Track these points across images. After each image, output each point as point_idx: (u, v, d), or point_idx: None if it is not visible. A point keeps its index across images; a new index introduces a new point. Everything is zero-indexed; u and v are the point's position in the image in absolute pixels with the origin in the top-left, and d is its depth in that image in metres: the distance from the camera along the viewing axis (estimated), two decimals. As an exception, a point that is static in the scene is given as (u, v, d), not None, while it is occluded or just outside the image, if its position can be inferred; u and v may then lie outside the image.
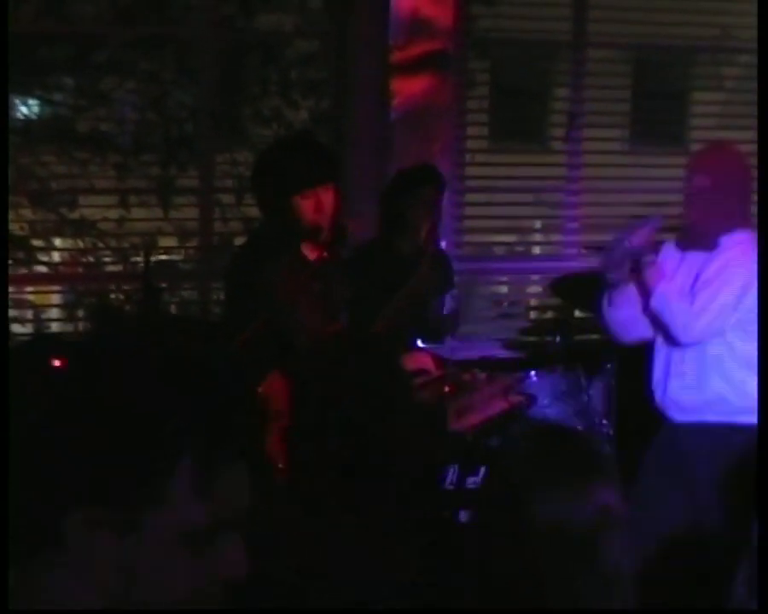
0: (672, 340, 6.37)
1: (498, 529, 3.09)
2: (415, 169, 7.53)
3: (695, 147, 10.18)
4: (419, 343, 7.14)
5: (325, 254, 6.20)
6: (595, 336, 7.49)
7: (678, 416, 6.56)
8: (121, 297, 9.45)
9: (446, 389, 6.47)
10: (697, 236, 6.37)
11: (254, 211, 7.52)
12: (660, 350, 6.54)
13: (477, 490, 3.50)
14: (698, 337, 6.28)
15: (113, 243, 9.03)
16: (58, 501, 2.19)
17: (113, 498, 2.18)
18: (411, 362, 6.66)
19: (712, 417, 6.49)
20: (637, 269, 6.39)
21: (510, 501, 3.09)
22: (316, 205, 5.98)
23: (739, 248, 6.40)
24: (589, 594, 3.05)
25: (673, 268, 6.47)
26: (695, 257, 6.40)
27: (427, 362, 6.69)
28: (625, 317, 6.48)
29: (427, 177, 7.42)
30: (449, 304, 7.80)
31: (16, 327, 8.93)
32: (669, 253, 6.47)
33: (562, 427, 3.95)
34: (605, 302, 6.44)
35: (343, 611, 2.48)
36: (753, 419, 5.93)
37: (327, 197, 6.01)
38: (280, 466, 4.69)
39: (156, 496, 2.15)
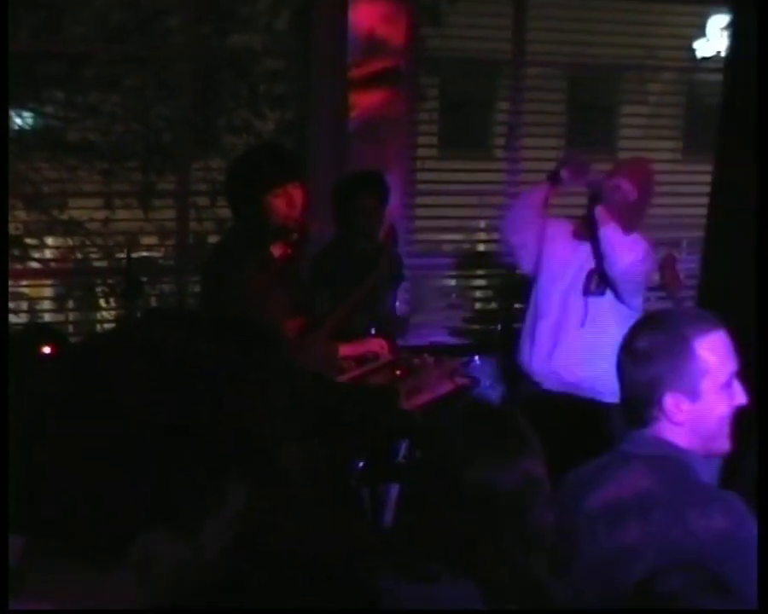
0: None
1: (437, 492, 3.11)
2: (357, 174, 7.56)
3: (623, 153, 10.25)
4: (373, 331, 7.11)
5: (290, 252, 6.21)
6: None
7: (556, 387, 6.63)
8: (106, 289, 9.47)
9: (398, 372, 6.48)
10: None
11: (226, 213, 7.49)
12: (548, 324, 6.61)
13: (419, 460, 3.46)
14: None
15: (99, 241, 9.03)
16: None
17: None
18: (368, 346, 6.71)
19: (586, 393, 6.57)
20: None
21: (449, 469, 3.11)
22: (287, 201, 5.97)
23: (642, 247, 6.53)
24: (516, 548, 3.07)
25: (567, 253, 6.56)
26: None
27: (382, 346, 6.69)
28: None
29: (366, 183, 7.45)
30: (401, 304, 7.83)
31: (12, 318, 8.90)
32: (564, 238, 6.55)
33: (494, 406, 3.94)
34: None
35: (343, 611, 2.44)
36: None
37: (296, 194, 6.00)
38: None
39: None
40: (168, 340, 2.11)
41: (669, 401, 3.57)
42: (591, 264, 6.74)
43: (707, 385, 3.60)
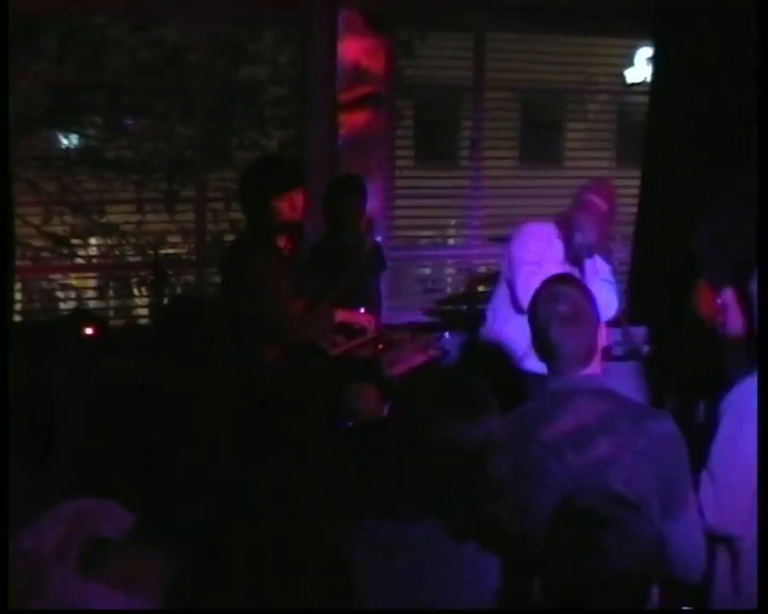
0: None
1: (412, 446, 3.07)
2: (340, 178, 7.53)
3: (568, 162, 10.22)
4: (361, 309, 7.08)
5: (292, 245, 6.23)
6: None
7: None
8: (138, 281, 9.45)
9: (380, 346, 6.45)
10: (586, 250, 6.32)
11: (239, 216, 7.45)
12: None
13: (398, 419, 3.43)
14: None
15: (132, 240, 9.00)
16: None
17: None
18: (359, 318, 6.66)
19: None
20: None
21: (422, 426, 3.07)
22: (290, 205, 5.98)
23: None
24: (481, 497, 3.03)
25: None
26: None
27: (370, 321, 6.65)
28: None
29: (349, 186, 7.40)
30: (384, 286, 7.82)
31: (62, 305, 8.88)
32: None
33: (460, 374, 3.90)
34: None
35: (343, 611, 2.38)
36: None
37: (298, 199, 6.01)
38: None
39: None
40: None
41: None
42: None
43: None
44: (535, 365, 6.29)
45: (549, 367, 3.76)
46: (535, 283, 5.88)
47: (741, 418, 3.87)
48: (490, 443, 3.04)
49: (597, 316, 3.75)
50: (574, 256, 6.32)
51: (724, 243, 6.63)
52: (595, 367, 3.74)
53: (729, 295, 6.75)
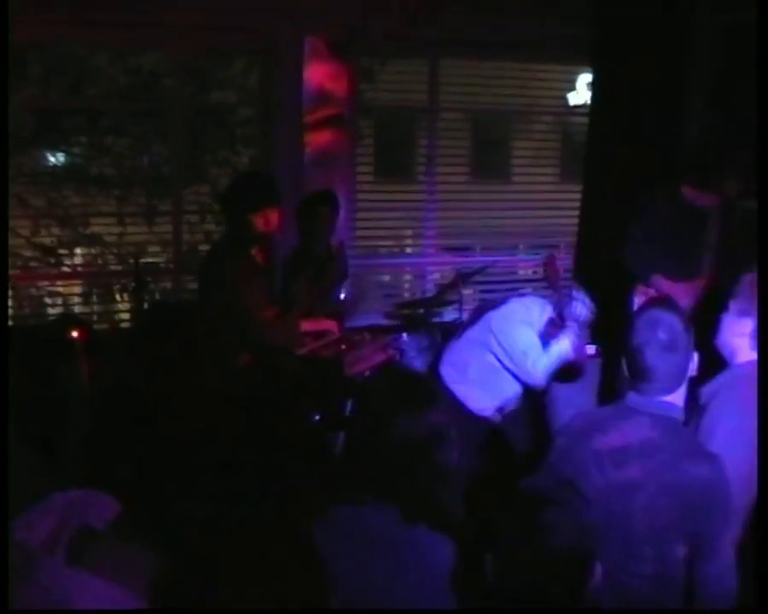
0: None
1: (368, 438, 3.08)
2: (315, 193, 7.51)
3: (516, 178, 10.25)
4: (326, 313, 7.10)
5: (266, 255, 6.26)
6: (449, 309, 7.40)
7: None
8: (120, 288, 9.43)
9: (343, 346, 6.46)
10: None
11: (212, 227, 7.48)
12: None
13: (356, 413, 3.45)
14: None
15: (114, 251, 8.95)
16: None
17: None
18: (323, 325, 6.67)
19: None
20: None
21: (377, 420, 3.08)
22: (265, 220, 6.04)
23: None
24: (432, 483, 3.05)
25: None
26: None
27: (333, 326, 6.67)
28: None
29: (324, 200, 7.40)
30: (347, 291, 7.82)
31: (49, 310, 8.84)
32: None
33: (411, 373, 3.92)
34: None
35: (343, 611, 2.38)
36: None
37: (273, 216, 6.06)
38: None
39: None
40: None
41: None
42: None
43: None
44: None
45: (635, 387, 3.63)
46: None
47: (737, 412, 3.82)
48: (438, 434, 3.06)
49: (692, 345, 3.60)
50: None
51: (646, 244, 6.75)
52: (679, 396, 3.63)
53: (662, 284, 6.87)
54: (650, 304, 3.83)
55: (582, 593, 2.81)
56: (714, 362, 4.09)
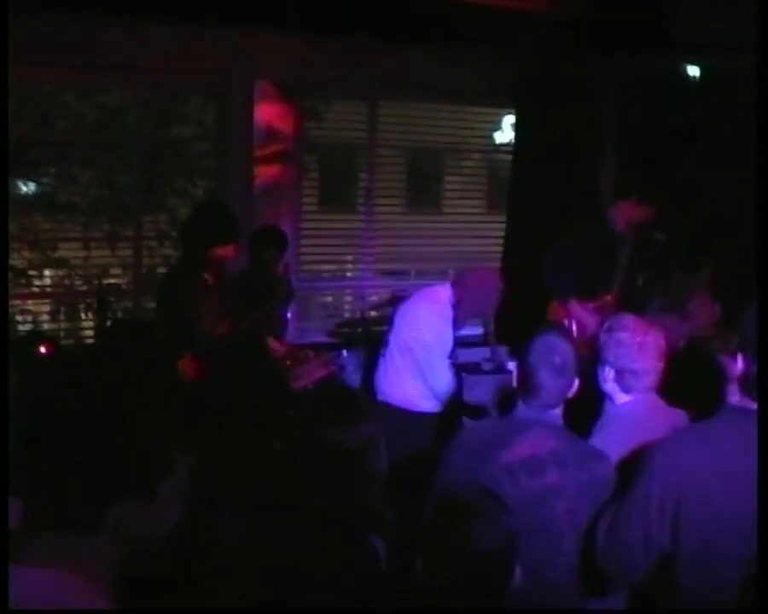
0: None
1: (306, 446, 3.07)
2: (265, 232, 7.47)
3: (446, 209, 10.28)
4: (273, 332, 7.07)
5: (217, 278, 6.23)
6: (384, 328, 7.38)
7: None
8: (85, 307, 9.35)
9: (288, 362, 6.43)
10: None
11: (170, 252, 7.42)
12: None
13: (295, 423, 3.43)
14: None
15: (79, 272, 8.86)
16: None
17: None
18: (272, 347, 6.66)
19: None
20: None
21: (314, 429, 3.07)
22: (222, 254, 6.11)
23: None
24: (363, 489, 3.04)
25: None
26: None
27: (276, 344, 6.65)
28: None
29: (271, 240, 7.35)
30: (291, 314, 7.79)
31: (20, 327, 8.72)
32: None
33: (346, 387, 3.93)
34: None
35: (341, 611, 2.34)
36: None
37: (230, 250, 6.13)
38: None
39: None
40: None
41: None
42: None
43: None
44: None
45: (525, 400, 3.68)
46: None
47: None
48: (369, 443, 3.07)
49: (576, 370, 3.68)
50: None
51: (564, 265, 6.84)
52: (559, 410, 3.70)
53: (574, 307, 6.96)
54: (546, 330, 3.86)
55: (502, 594, 2.80)
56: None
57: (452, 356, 6.23)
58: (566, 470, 3.50)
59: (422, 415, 6.18)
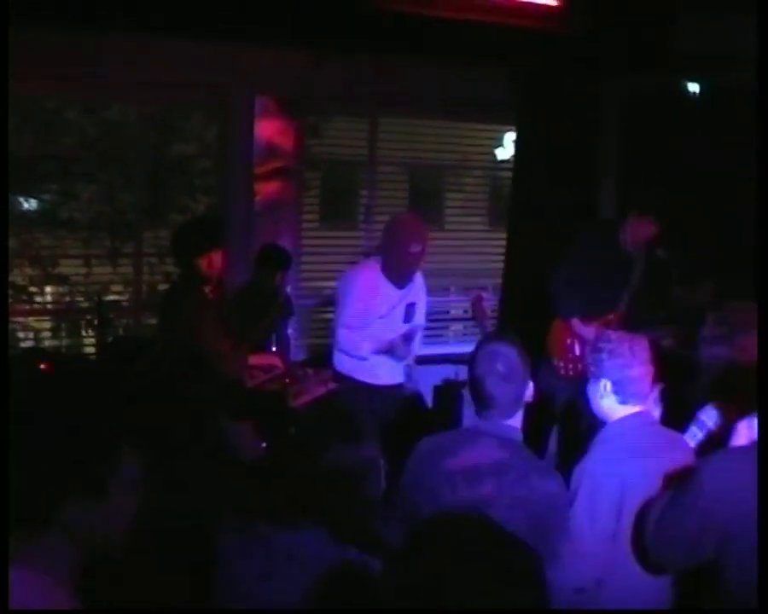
0: None
1: (303, 466, 3.04)
2: (271, 251, 7.53)
3: (449, 226, 10.24)
4: (273, 348, 7.05)
5: (216, 294, 6.24)
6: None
7: None
8: (85, 322, 9.35)
9: (287, 380, 6.42)
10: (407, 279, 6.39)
11: (171, 268, 7.42)
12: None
13: (293, 443, 3.40)
14: None
15: (80, 289, 8.85)
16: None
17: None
18: (268, 359, 6.67)
19: None
20: None
21: (311, 450, 3.04)
22: (209, 262, 6.06)
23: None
24: (360, 511, 3.01)
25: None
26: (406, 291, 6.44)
27: (276, 361, 6.64)
28: None
29: (274, 259, 7.47)
30: (292, 331, 7.79)
31: (22, 344, 8.71)
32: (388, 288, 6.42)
33: (343, 408, 3.91)
34: None
35: (340, 610, 2.31)
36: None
37: (216, 257, 6.08)
38: None
39: None
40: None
41: None
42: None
43: None
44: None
45: (477, 411, 3.67)
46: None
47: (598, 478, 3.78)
48: (368, 466, 3.05)
49: (527, 375, 3.66)
50: (403, 283, 6.39)
51: (575, 284, 6.79)
52: (518, 419, 3.68)
53: (577, 325, 6.92)
54: (490, 338, 3.85)
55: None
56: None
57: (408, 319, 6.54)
58: (503, 482, 3.49)
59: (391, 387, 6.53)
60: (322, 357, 7.20)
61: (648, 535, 3.42)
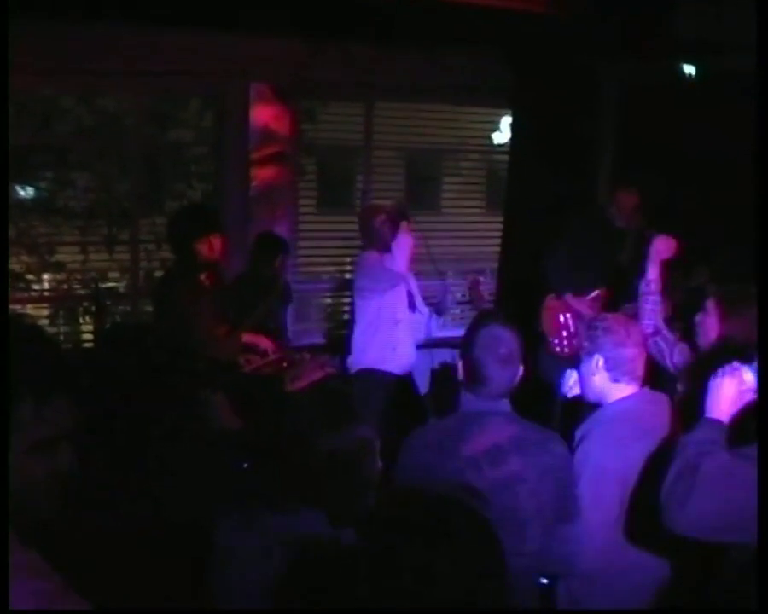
0: None
1: (299, 450, 3.05)
2: (268, 239, 7.58)
3: (445, 210, 10.24)
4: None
5: (213, 279, 6.24)
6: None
7: None
8: (82, 310, 9.35)
9: (285, 364, 6.44)
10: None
11: (168, 255, 7.40)
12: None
13: (288, 426, 3.39)
14: None
15: (77, 276, 8.83)
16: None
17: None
18: (258, 341, 6.66)
19: None
20: None
21: (307, 433, 3.05)
22: (208, 247, 6.09)
23: None
24: (356, 491, 3.02)
25: None
26: None
27: (268, 342, 6.64)
28: None
29: (274, 248, 7.50)
30: (289, 314, 7.80)
31: (18, 332, 8.68)
32: None
33: (339, 390, 3.91)
34: None
35: (342, 610, 2.31)
36: None
37: (215, 241, 6.11)
38: None
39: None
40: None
41: None
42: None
43: None
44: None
45: (474, 392, 3.66)
46: None
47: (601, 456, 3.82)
48: (362, 447, 3.06)
49: (521, 358, 3.67)
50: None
51: (566, 259, 6.88)
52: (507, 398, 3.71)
53: (570, 300, 7.00)
54: (490, 320, 3.77)
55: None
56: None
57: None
58: (527, 455, 3.51)
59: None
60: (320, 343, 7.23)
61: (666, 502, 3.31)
